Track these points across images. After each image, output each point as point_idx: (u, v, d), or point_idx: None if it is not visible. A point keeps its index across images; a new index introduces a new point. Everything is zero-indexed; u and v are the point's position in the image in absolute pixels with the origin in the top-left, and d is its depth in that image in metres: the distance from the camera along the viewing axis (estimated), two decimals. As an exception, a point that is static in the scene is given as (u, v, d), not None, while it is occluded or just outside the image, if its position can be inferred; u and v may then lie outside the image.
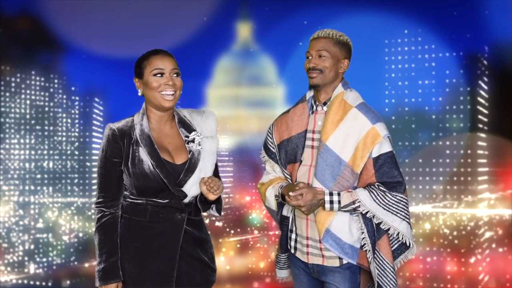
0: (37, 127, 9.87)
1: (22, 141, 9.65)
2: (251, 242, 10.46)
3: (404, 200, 2.30)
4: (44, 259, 9.80)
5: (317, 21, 8.38)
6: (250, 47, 10.28)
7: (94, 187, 2.39)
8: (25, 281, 9.41)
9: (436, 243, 9.48)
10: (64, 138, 10.09)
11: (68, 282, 9.65)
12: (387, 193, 2.28)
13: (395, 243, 2.36)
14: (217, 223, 10.43)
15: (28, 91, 9.63)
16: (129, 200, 2.21)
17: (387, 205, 2.27)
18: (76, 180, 10.30)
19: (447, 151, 9.33)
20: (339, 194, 2.27)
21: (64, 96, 10.02)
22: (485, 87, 8.93)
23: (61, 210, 10.06)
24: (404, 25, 9.32)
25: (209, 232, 2.36)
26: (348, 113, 2.31)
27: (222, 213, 2.33)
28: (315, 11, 8.48)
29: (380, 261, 2.30)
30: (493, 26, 7.93)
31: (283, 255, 2.51)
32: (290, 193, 2.25)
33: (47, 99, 9.87)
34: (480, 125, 8.99)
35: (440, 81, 9.38)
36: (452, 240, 9.40)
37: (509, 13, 7.80)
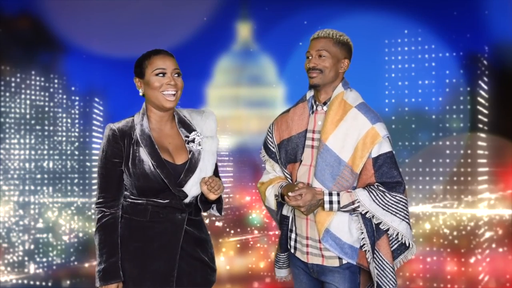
0: (37, 127, 9.86)
1: (22, 141, 9.65)
2: (251, 242, 10.46)
3: (404, 200, 2.30)
4: (44, 259, 9.80)
5: (317, 21, 8.37)
6: (250, 47, 10.28)
7: (94, 187, 2.39)
8: (25, 281, 9.41)
9: (436, 243, 9.48)
10: (64, 138, 10.08)
11: (68, 282, 9.65)
12: (386, 193, 2.28)
13: (395, 243, 2.37)
14: (217, 223, 10.43)
15: (28, 91, 9.62)
16: (130, 200, 2.21)
17: (387, 205, 2.27)
18: (76, 180, 10.30)
19: (447, 151, 9.33)
20: (338, 194, 2.27)
21: (64, 96, 10.02)
22: (485, 87, 8.92)
23: (61, 210, 10.06)
24: (404, 25, 9.31)
25: (209, 232, 2.36)
26: (348, 113, 2.31)
27: (223, 213, 2.33)
28: (315, 11, 8.47)
29: (380, 261, 2.30)
30: (493, 26, 7.92)
31: (283, 254, 2.51)
32: (289, 193, 2.25)
33: (47, 99, 9.86)
34: (480, 125, 8.99)
35: (440, 81, 9.38)
36: (452, 240, 9.39)
37: (509, 13, 7.79)
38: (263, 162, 2.59)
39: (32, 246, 9.75)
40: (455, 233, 9.40)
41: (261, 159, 2.60)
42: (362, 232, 2.30)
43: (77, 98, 10.12)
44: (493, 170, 9.07)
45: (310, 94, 2.44)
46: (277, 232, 2.76)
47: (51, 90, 9.88)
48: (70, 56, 9.20)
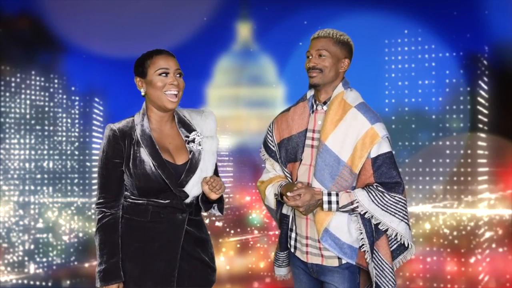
0: (37, 127, 9.87)
1: (22, 141, 9.65)
2: (251, 242, 10.46)
3: (403, 201, 2.30)
4: (44, 259, 9.80)
5: (317, 21, 8.37)
6: (250, 47, 10.28)
7: (94, 187, 2.39)
8: (25, 281, 9.41)
9: (436, 243, 9.48)
10: (64, 138, 10.09)
11: (68, 282, 9.65)
12: (385, 194, 2.27)
13: (394, 244, 2.36)
14: (217, 223, 10.43)
15: (28, 91, 9.63)
16: (130, 200, 2.21)
17: (385, 206, 2.27)
18: (76, 180, 10.30)
19: (447, 151, 9.33)
20: (337, 195, 2.27)
21: (64, 96, 10.02)
22: (485, 87, 8.93)
23: (61, 210, 10.06)
24: (404, 25, 9.32)
25: (209, 232, 2.36)
26: (347, 113, 2.31)
27: (224, 212, 2.34)
28: (315, 11, 8.48)
29: (379, 262, 2.30)
30: (493, 26, 7.93)
31: (282, 253, 2.50)
32: (288, 193, 2.25)
33: (47, 99, 9.87)
34: (480, 125, 8.99)
35: (440, 81, 9.38)
36: (452, 240, 9.39)
37: (509, 13, 7.80)
38: (263, 161, 2.58)
39: (32, 246, 9.75)
40: (455, 233, 9.40)
41: (261, 159, 2.60)
42: (361, 233, 2.30)
43: (77, 98, 10.13)
44: (493, 170, 9.08)
45: (310, 93, 2.44)
46: (277, 232, 2.75)
47: (51, 90, 9.88)
48: (70, 56, 9.21)
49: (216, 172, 2.33)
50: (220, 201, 2.28)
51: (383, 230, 2.30)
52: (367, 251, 2.29)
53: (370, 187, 2.28)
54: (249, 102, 10.37)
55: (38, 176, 9.94)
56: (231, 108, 10.39)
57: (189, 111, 2.35)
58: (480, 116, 9.00)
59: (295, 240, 2.42)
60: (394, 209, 2.28)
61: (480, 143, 9.12)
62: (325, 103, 2.38)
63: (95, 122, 10.22)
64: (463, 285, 8.91)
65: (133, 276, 2.18)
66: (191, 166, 2.21)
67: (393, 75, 9.89)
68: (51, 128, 10.00)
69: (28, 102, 9.67)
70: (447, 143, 9.28)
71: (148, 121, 2.23)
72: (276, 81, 10.05)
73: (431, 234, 9.55)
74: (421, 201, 9.63)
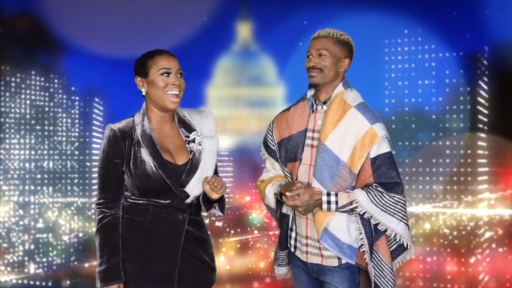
0: (37, 127, 9.86)
1: (22, 141, 9.65)
2: (251, 242, 10.45)
3: (402, 201, 2.30)
4: (44, 259, 9.80)
5: (317, 21, 8.37)
6: (250, 47, 10.28)
7: (94, 187, 2.39)
8: (25, 281, 9.40)
9: (436, 243, 9.47)
10: (64, 138, 10.08)
11: (68, 282, 9.65)
12: (384, 194, 2.27)
13: (394, 244, 2.37)
14: (217, 223, 10.43)
15: (28, 91, 9.62)
16: (130, 200, 2.21)
17: (385, 206, 2.27)
18: (76, 180, 10.30)
19: (447, 151, 9.32)
20: (336, 195, 2.27)
21: (64, 96, 10.02)
22: (485, 87, 8.92)
23: (61, 210, 10.06)
24: (404, 25, 9.31)
25: (209, 232, 2.36)
26: (347, 113, 2.31)
27: (225, 212, 2.34)
28: (315, 11, 8.47)
29: (378, 262, 2.30)
30: (493, 26, 7.92)
31: (282, 252, 2.50)
32: (287, 193, 2.25)
33: (47, 99, 9.86)
34: (480, 125, 8.99)
35: (440, 81, 9.37)
36: (452, 240, 9.39)
37: (509, 13, 7.79)
38: (263, 160, 2.58)
39: (32, 246, 9.75)
40: (455, 233, 9.39)
41: (261, 159, 2.60)
42: (360, 233, 2.30)
43: (77, 98, 10.12)
44: (493, 170, 9.07)
45: (310, 93, 2.44)
46: (277, 232, 2.75)
47: (51, 90, 9.88)
48: (70, 56, 9.20)
49: (216, 172, 2.33)
50: (221, 200, 2.29)
51: (382, 230, 2.30)
52: (366, 251, 2.29)
53: (370, 187, 2.28)
54: (249, 102, 10.36)
55: (38, 176, 9.93)
56: (231, 108, 10.38)
57: (189, 111, 2.35)
58: (480, 116, 9.00)
59: (295, 240, 2.42)
60: (393, 209, 2.28)
61: (480, 143, 9.12)
62: (325, 102, 2.38)
63: (95, 122, 10.21)
64: (463, 285, 8.91)
65: (133, 276, 2.18)
66: (192, 166, 2.21)
67: (393, 75, 9.88)
68: (51, 128, 9.99)
69: (28, 102, 9.66)
70: (447, 143, 9.27)
71: (149, 121, 2.22)
72: (276, 81, 10.05)
73: (431, 234, 9.54)
74: (421, 201, 9.62)
